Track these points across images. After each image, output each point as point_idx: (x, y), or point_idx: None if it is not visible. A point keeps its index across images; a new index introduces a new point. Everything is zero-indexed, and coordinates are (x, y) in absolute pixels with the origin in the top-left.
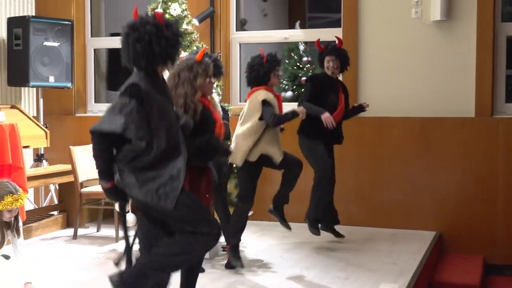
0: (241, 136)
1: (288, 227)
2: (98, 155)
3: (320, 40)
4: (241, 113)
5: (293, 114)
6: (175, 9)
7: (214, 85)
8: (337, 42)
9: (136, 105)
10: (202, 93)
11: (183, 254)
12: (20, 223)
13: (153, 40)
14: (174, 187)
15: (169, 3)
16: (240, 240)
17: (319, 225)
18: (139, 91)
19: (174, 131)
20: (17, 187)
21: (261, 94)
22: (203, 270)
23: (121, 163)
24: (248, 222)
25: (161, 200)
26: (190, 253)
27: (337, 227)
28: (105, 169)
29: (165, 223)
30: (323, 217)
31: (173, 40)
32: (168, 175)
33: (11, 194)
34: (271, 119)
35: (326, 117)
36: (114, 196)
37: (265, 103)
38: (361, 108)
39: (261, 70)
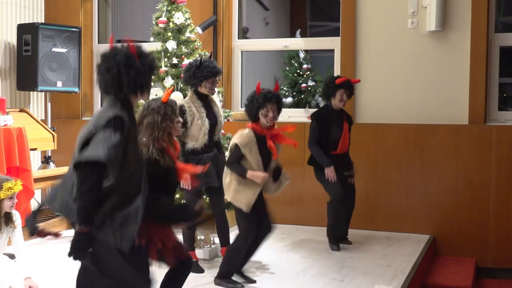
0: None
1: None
2: (87, 192)
3: (320, 48)
4: None
5: (241, 174)
6: (178, 18)
7: (216, 91)
8: (352, 79)
9: (120, 140)
10: (172, 134)
11: None
12: (16, 217)
13: (121, 70)
14: (131, 229)
15: (173, 12)
16: (233, 274)
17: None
18: (123, 124)
19: (139, 170)
20: (10, 176)
21: (240, 136)
22: (202, 271)
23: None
24: None
25: (117, 241)
26: None
27: None
28: (90, 211)
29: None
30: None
31: (142, 70)
32: (126, 214)
33: (8, 181)
34: (228, 162)
35: (329, 171)
36: (84, 246)
37: (235, 147)
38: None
39: (250, 109)
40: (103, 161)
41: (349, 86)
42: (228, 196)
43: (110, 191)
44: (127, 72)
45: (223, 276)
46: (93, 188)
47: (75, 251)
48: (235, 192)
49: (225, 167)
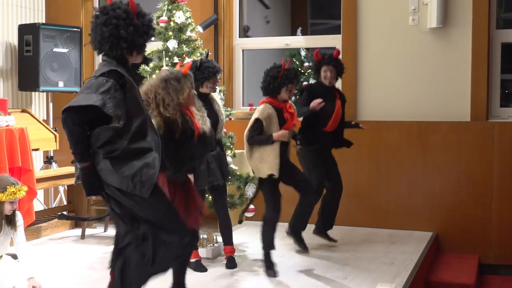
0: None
1: (306, 249)
2: (72, 133)
3: (320, 46)
4: None
5: (268, 140)
6: (179, 17)
7: (217, 90)
8: (334, 52)
9: (114, 85)
10: (186, 104)
11: (154, 263)
12: (18, 217)
13: (120, 25)
14: (150, 175)
15: (174, 11)
16: (274, 248)
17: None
18: (120, 77)
19: (148, 123)
20: (17, 180)
21: (259, 111)
22: (205, 270)
23: (94, 146)
24: (250, 223)
25: (136, 187)
26: (159, 262)
27: (333, 230)
28: (81, 147)
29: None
30: (321, 223)
31: (141, 29)
32: (143, 162)
33: (13, 185)
34: (248, 137)
35: (313, 103)
36: (90, 179)
37: (257, 121)
38: (358, 126)
39: (272, 83)
40: (81, 105)
41: (330, 62)
42: (256, 174)
43: (118, 133)
44: (125, 28)
45: (267, 257)
46: (74, 132)
47: (88, 186)
48: (259, 165)
49: (246, 148)
